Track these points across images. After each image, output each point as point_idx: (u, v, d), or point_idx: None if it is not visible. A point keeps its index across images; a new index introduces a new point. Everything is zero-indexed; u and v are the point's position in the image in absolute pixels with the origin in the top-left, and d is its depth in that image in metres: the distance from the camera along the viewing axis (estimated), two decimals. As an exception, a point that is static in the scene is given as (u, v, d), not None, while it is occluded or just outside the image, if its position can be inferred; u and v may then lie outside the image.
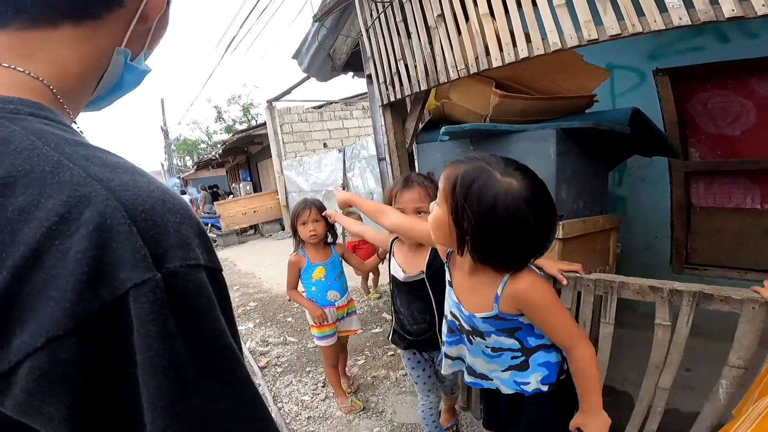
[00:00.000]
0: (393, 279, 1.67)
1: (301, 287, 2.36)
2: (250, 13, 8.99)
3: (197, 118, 31.81)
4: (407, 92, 1.98)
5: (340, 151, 7.44)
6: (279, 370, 3.11)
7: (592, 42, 1.34)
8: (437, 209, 0.99)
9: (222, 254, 8.76)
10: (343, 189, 7.34)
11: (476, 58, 1.61)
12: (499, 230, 0.89)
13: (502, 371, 1.11)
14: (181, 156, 26.54)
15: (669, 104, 2.54)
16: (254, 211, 10.38)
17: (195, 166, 20.47)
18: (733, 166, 2.42)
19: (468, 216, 0.89)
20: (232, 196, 13.55)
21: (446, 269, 1.18)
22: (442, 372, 1.32)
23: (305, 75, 7.66)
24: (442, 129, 1.71)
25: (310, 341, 3.49)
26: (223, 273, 0.41)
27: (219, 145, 14.02)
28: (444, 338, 1.25)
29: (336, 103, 10.36)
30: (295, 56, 4.03)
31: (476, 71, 1.61)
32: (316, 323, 2.31)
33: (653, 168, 2.58)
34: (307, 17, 3.39)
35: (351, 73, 4.00)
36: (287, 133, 9.78)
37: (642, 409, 1.31)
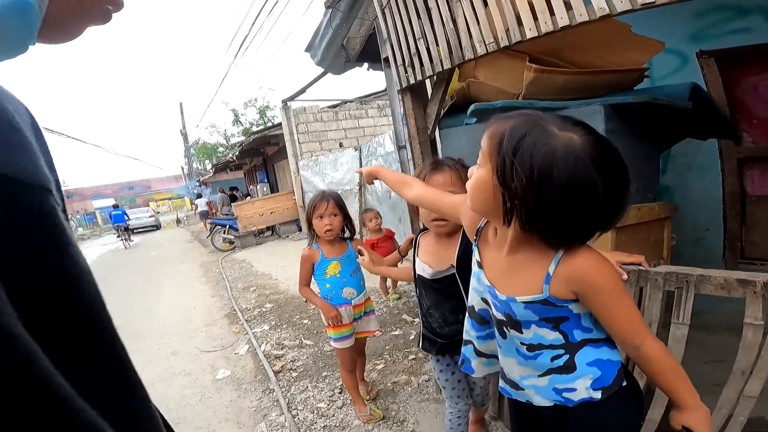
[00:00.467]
0: (419, 279, 1.51)
1: (315, 286, 2.23)
2: (261, 10, 8.98)
3: (215, 122, 32.30)
4: (428, 73, 1.81)
5: (356, 150, 7.32)
6: (294, 374, 2.98)
7: (647, 6, 1.14)
8: (479, 171, 0.84)
9: (239, 256, 8.76)
10: (360, 187, 7.22)
11: (507, 30, 1.43)
12: (557, 194, 0.73)
13: (539, 376, 0.91)
14: (201, 160, 26.99)
15: (716, 87, 2.32)
16: (271, 213, 10.38)
17: (213, 169, 20.75)
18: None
19: (518, 174, 0.74)
20: (249, 197, 13.63)
21: (474, 249, 0.99)
22: (474, 375, 1.11)
23: (319, 73, 7.59)
24: (470, 108, 1.53)
25: (326, 344, 3.35)
26: (43, 195, 0.27)
27: (236, 147, 14.13)
28: (472, 332, 1.04)
29: (351, 102, 10.28)
30: (308, 49, 3.91)
31: (507, 45, 1.43)
32: (330, 324, 2.17)
33: (702, 154, 2.35)
34: (319, 8, 3.27)
35: (366, 65, 3.86)
36: (303, 133, 9.74)
37: (720, 417, 1.12)
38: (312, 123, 9.88)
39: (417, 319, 3.81)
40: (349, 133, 10.26)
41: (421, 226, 1.51)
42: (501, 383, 1.02)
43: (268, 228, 10.63)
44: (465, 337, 1.09)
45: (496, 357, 1.02)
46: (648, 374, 0.86)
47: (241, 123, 23.02)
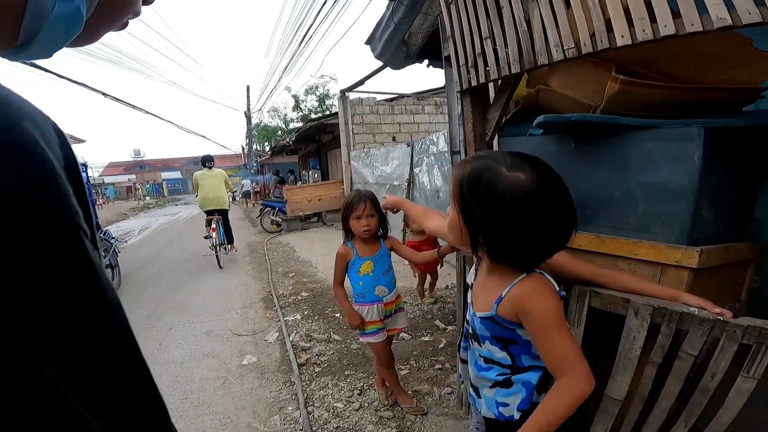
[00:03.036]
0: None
1: (348, 283, 2.23)
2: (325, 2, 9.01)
3: (277, 106, 33.26)
4: (493, 76, 1.64)
5: (408, 145, 7.17)
6: (317, 369, 2.95)
7: None
8: (450, 211, 0.98)
9: (284, 239, 8.98)
10: (409, 185, 7.10)
11: (592, 36, 1.23)
12: (506, 225, 0.86)
13: (489, 387, 1.02)
14: (261, 141, 28.02)
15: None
16: (319, 199, 10.53)
17: (270, 152, 21.55)
18: None
19: (477, 214, 0.88)
20: (300, 182, 13.99)
21: (473, 271, 1.13)
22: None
23: (378, 66, 7.52)
24: (539, 119, 1.36)
25: (354, 341, 3.30)
26: (69, 229, 0.29)
27: (293, 133, 14.51)
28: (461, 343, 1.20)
29: (408, 96, 10.14)
30: (368, 42, 3.83)
31: (590, 51, 1.23)
32: (353, 330, 2.23)
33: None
34: (382, 0, 3.16)
35: (426, 61, 3.71)
36: (357, 124, 9.76)
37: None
38: (367, 115, 9.87)
39: (450, 327, 3.66)
40: (404, 128, 10.14)
41: None
42: (469, 390, 1.13)
43: (315, 214, 10.81)
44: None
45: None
46: (543, 401, 0.90)
47: (300, 109, 23.58)
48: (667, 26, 1.03)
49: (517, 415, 0.94)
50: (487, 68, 1.67)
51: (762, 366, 1.04)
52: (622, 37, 1.13)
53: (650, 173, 1.24)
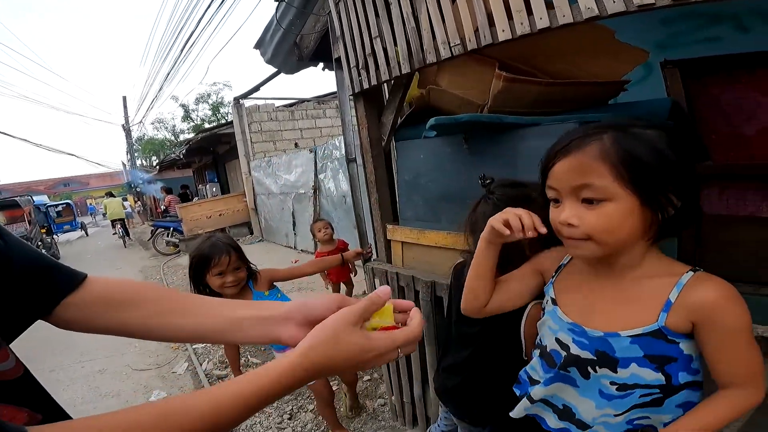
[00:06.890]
0: None
1: None
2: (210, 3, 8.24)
3: (163, 117, 30.37)
4: (384, 77, 1.60)
5: (311, 151, 7.00)
6: (236, 402, 2.67)
7: (645, 8, 0.97)
8: (607, 207, 0.73)
9: (183, 261, 8.13)
10: (315, 192, 6.91)
11: (475, 31, 1.25)
12: (689, 179, 0.74)
13: (616, 415, 0.81)
14: (147, 156, 25.24)
15: (679, 100, 2.28)
16: (220, 215, 9.79)
17: (158, 167, 19.49)
18: (750, 170, 2.16)
19: (672, 175, 0.72)
20: (197, 198, 12.88)
21: (549, 287, 0.94)
22: (511, 414, 0.99)
23: (273, 71, 7.17)
24: (430, 121, 1.34)
25: (273, 367, 3.06)
26: None
27: (183, 145, 13.26)
28: (540, 373, 0.94)
29: (308, 101, 9.91)
30: (258, 46, 3.59)
31: (475, 48, 1.25)
32: None
33: (658, 172, 2.31)
34: (271, 2, 2.97)
35: (321, 65, 3.60)
36: (256, 132, 9.26)
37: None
38: (266, 122, 9.42)
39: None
40: (306, 134, 9.89)
41: None
42: (556, 424, 0.90)
43: (218, 230, 9.99)
44: (525, 377, 1.00)
45: (545, 402, 0.92)
46: (712, 404, 0.77)
47: (192, 119, 21.74)
48: (542, 18, 1.06)
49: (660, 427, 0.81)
50: (378, 69, 1.63)
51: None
52: (503, 31, 1.15)
53: (537, 171, 1.29)
